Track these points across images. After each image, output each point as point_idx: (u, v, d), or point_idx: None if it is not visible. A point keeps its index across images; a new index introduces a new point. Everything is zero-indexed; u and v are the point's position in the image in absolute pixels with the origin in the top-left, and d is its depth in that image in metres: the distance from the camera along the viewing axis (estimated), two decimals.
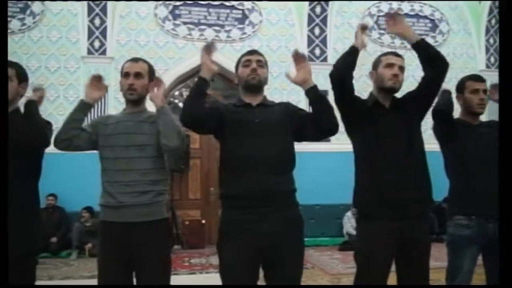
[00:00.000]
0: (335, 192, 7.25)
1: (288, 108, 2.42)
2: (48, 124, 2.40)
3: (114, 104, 7.70)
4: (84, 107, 2.39)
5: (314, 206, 7.47)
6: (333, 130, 2.29)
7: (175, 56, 8.13)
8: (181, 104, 8.44)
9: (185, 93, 8.50)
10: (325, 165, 7.65)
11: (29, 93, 2.43)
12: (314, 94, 2.29)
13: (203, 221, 7.75)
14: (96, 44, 7.94)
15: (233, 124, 2.28)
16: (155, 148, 2.32)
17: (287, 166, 2.30)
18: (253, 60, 2.34)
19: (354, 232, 7.35)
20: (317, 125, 2.28)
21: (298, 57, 2.33)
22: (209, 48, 2.28)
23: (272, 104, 2.41)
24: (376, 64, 2.55)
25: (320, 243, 7.34)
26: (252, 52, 2.42)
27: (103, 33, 7.96)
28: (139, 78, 2.35)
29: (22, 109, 2.31)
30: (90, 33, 7.94)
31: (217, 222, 7.86)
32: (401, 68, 2.48)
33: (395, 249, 2.37)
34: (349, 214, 7.66)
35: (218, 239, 2.29)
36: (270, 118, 2.29)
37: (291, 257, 2.22)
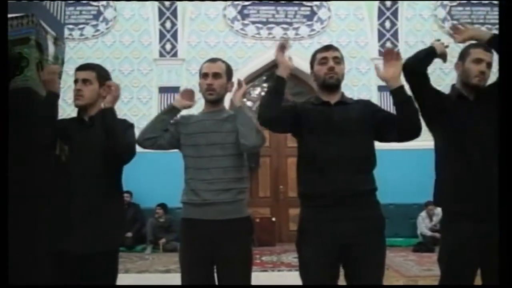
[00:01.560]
0: (408, 192, 7.03)
1: (368, 106, 2.34)
2: (131, 127, 2.41)
3: None
4: (172, 111, 2.45)
5: (387, 205, 7.26)
6: (417, 134, 2.18)
7: (244, 56, 8.23)
8: (249, 103, 8.59)
9: (253, 92, 8.58)
10: (398, 164, 7.43)
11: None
12: (401, 94, 2.18)
13: (273, 219, 7.79)
14: (168, 46, 8.20)
15: (312, 123, 2.24)
16: (235, 146, 2.33)
17: (368, 165, 2.25)
18: (330, 57, 2.27)
19: (429, 233, 7.16)
20: (401, 128, 2.18)
21: (390, 54, 2.24)
22: (283, 46, 2.26)
23: (350, 101, 2.35)
24: (463, 56, 2.36)
25: (394, 243, 7.13)
26: (328, 47, 2.33)
27: (174, 35, 8.21)
28: (218, 78, 2.36)
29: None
30: (162, 36, 8.21)
31: (287, 220, 7.90)
32: (489, 65, 2.30)
33: (481, 253, 2.20)
34: (423, 214, 7.39)
35: (297, 238, 2.27)
36: (350, 117, 2.23)
37: (372, 257, 2.16)
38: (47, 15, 2.76)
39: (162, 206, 7.47)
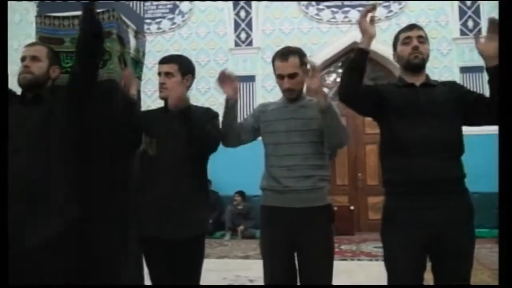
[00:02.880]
0: (493, 179, 6.61)
1: (455, 89, 2.21)
2: (216, 118, 2.41)
3: (262, 92, 7.97)
4: (233, 105, 2.36)
5: (472, 194, 6.87)
6: None
7: (319, 42, 8.11)
8: (325, 89, 8.43)
9: (329, 78, 8.44)
10: (482, 150, 7.01)
11: None
12: (497, 73, 2.00)
13: (352, 208, 7.66)
14: (243, 35, 8.26)
15: (397, 106, 2.13)
16: (316, 133, 2.28)
17: (457, 150, 2.12)
18: (414, 36, 2.16)
19: None
20: (496, 109, 1.98)
21: (494, 26, 2.02)
22: (369, 11, 2.13)
23: (436, 83, 2.22)
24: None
25: (479, 234, 6.75)
26: (412, 27, 2.22)
27: (249, 24, 8.25)
28: (294, 77, 2.28)
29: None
30: (237, 25, 8.29)
31: (366, 209, 7.76)
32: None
33: None
34: None
35: (381, 226, 2.19)
36: (437, 99, 2.11)
37: (462, 249, 2.05)
38: (127, 9, 2.86)
39: (241, 193, 7.61)
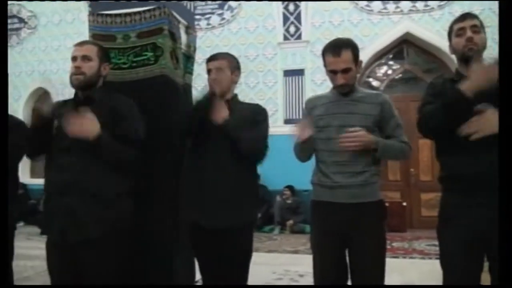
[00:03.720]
0: None
1: None
2: (261, 122, 2.41)
3: (311, 86, 7.90)
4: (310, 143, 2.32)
5: None
6: None
7: (370, 33, 7.93)
8: (375, 83, 8.29)
9: (379, 71, 8.26)
10: None
11: None
12: None
13: (404, 204, 7.48)
14: (292, 29, 8.21)
15: None
16: (368, 129, 2.22)
17: None
18: (467, 26, 2.05)
19: None
20: None
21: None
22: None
23: None
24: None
25: None
26: (465, 16, 2.11)
27: (298, 18, 8.18)
28: (348, 72, 2.21)
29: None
30: (285, 19, 8.24)
31: (419, 205, 7.53)
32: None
33: None
34: None
35: (438, 224, 2.12)
36: (493, 92, 1.94)
37: None
38: (177, 5, 2.88)
39: (290, 187, 7.59)
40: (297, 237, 7.01)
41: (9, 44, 10.40)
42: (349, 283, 2.30)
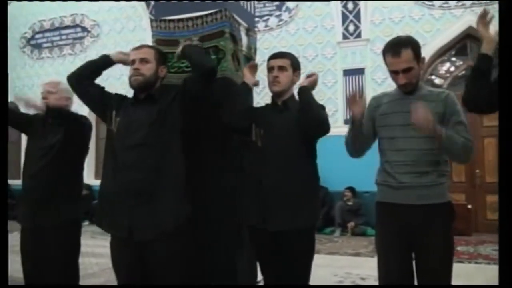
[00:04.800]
0: None
1: None
2: (322, 108, 2.43)
3: (372, 85, 7.77)
4: (360, 124, 2.31)
5: None
6: None
7: (432, 29, 7.68)
8: (438, 81, 8.01)
9: (442, 68, 7.98)
10: None
11: None
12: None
13: (469, 206, 7.18)
14: (351, 28, 8.10)
15: None
16: None
17: None
18: None
19: None
20: None
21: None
22: (482, 18, 2.06)
23: None
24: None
25: None
26: None
27: (357, 16, 8.06)
28: (409, 71, 2.17)
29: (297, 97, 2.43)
30: (344, 18, 8.14)
31: (484, 208, 7.17)
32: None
33: None
34: None
35: None
36: None
37: None
38: (238, 8, 2.93)
39: (351, 189, 7.49)
40: (358, 239, 6.92)
41: (73, 52, 10.96)
42: None
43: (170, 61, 2.63)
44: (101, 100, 2.42)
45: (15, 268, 4.81)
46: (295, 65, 2.46)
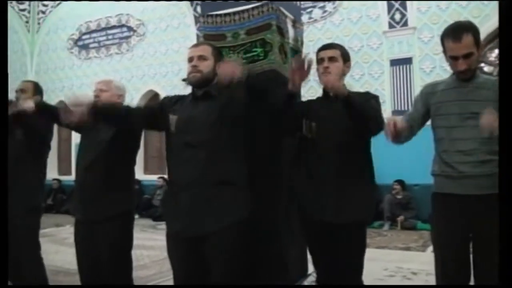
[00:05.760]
0: None
1: None
2: (374, 98, 2.41)
3: (420, 75, 7.60)
4: None
5: None
6: None
7: (480, 14, 7.43)
8: (487, 68, 7.70)
9: (491, 55, 7.69)
10: None
11: None
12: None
13: None
14: (397, 16, 7.95)
15: None
16: None
17: None
18: None
19: None
20: None
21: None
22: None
23: None
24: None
25: None
26: None
27: (403, 4, 7.91)
28: (470, 57, 2.12)
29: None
30: (390, 6, 8.01)
31: None
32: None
33: None
34: None
35: None
36: None
37: None
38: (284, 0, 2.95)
39: (400, 182, 7.37)
40: (408, 233, 6.81)
41: (119, 51, 11.27)
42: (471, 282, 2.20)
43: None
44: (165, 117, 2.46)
45: (68, 260, 5.07)
46: (345, 56, 2.44)
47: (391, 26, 7.99)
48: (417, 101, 2.34)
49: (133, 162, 2.98)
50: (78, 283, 2.84)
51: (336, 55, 2.40)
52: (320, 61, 2.40)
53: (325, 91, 2.43)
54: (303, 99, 2.59)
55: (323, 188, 2.29)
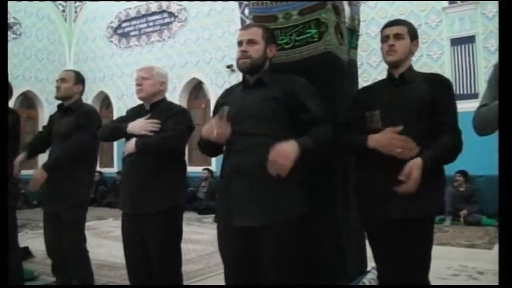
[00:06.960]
0: None
1: None
2: (447, 82, 2.37)
3: (485, 55, 7.44)
4: None
5: None
6: None
7: None
8: None
9: None
10: None
11: None
12: None
13: None
14: None
15: None
16: None
17: None
18: None
19: None
20: None
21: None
22: None
23: None
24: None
25: None
26: None
27: None
28: None
29: None
30: None
31: None
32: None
33: None
34: None
35: None
36: None
37: None
38: None
39: (463, 173, 7.17)
40: (472, 229, 6.64)
41: (161, 38, 11.41)
42: None
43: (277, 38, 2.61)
44: None
45: (112, 253, 5.20)
46: (413, 33, 2.36)
47: (451, 1, 7.75)
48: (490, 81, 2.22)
49: (183, 154, 3.02)
50: (122, 276, 2.91)
51: (403, 32, 2.32)
52: (385, 39, 2.33)
53: (389, 72, 2.36)
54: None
55: (386, 182, 2.21)
